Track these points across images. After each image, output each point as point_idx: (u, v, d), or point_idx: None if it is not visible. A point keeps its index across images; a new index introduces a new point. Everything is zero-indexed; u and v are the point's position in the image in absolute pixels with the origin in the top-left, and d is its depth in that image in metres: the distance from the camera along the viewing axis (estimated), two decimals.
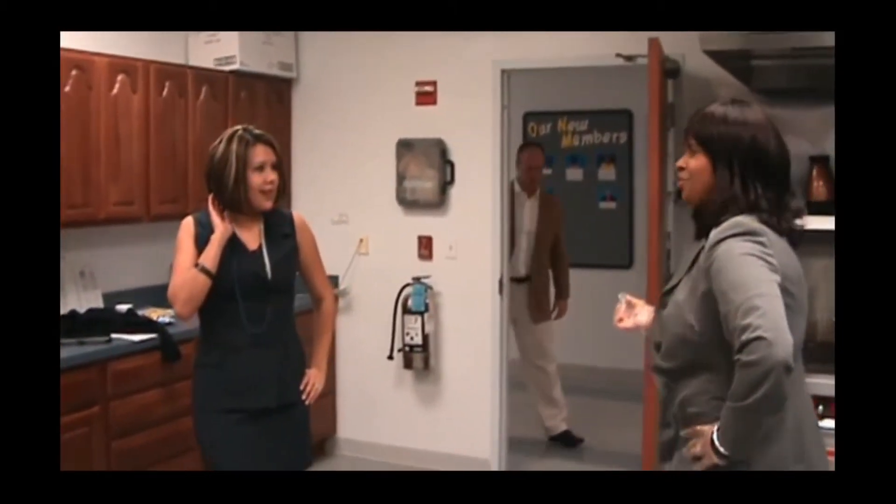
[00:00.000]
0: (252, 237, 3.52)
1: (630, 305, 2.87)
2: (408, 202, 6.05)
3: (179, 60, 5.65)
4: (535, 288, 6.52)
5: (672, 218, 5.29)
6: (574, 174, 8.39)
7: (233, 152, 3.39)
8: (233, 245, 3.45)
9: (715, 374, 2.40)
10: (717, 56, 4.19)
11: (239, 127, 3.50)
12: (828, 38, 4.16)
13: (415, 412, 6.15)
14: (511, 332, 6.23)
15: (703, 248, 2.46)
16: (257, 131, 3.48)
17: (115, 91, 4.90)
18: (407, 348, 5.97)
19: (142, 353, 4.66)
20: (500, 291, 5.89)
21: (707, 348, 2.41)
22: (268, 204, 3.49)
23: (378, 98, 6.13)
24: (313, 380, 3.69)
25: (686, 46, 4.98)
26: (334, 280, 6.21)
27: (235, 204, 3.43)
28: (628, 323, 2.86)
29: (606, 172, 8.35)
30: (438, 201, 5.97)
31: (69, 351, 4.31)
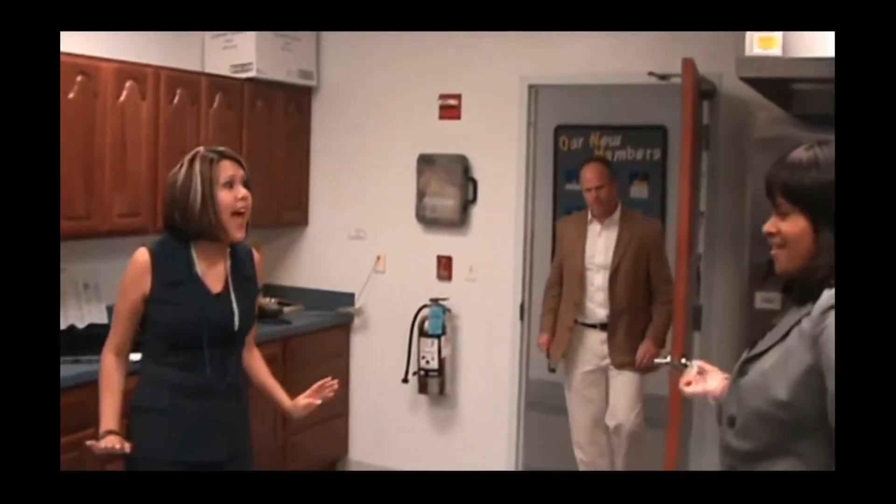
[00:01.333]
0: (217, 277, 3.17)
1: (702, 371, 2.62)
2: (427, 220, 5.88)
3: (195, 67, 5.49)
4: (617, 335, 5.29)
5: (703, 241, 5.18)
6: None
7: (196, 173, 3.05)
8: (195, 287, 3.11)
9: (801, 463, 2.03)
10: (754, 83, 3.96)
11: (199, 148, 3.18)
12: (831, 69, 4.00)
13: (428, 438, 5.96)
14: (568, 386, 5.50)
15: (805, 313, 2.02)
16: (221, 148, 3.17)
17: (122, 98, 4.76)
18: (422, 372, 5.79)
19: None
20: (521, 317, 5.70)
21: (796, 431, 2.04)
22: (240, 234, 3.15)
23: (400, 110, 5.96)
24: (304, 405, 3.39)
25: (723, 66, 4.76)
26: (349, 298, 6.05)
27: (204, 231, 3.08)
28: (697, 388, 2.59)
29: (639, 190, 8.09)
30: (459, 220, 5.80)
31: (63, 370, 4.11)
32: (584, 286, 5.32)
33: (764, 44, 3.35)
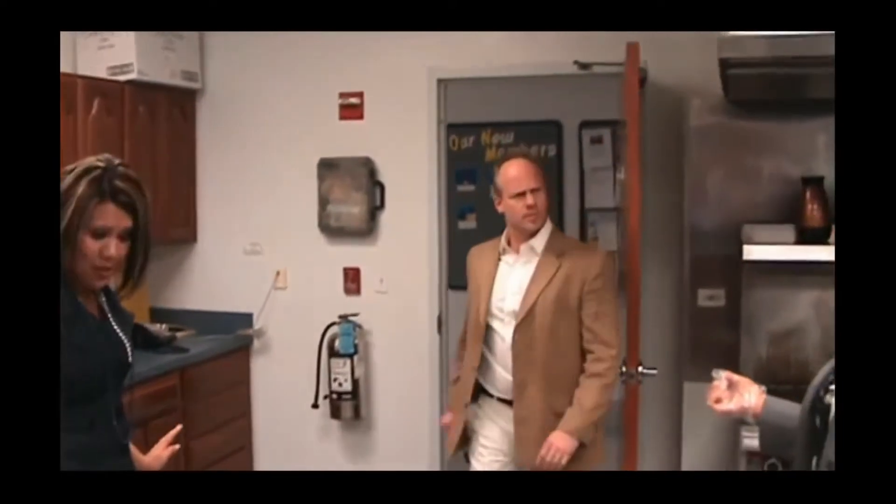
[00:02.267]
0: (93, 307, 2.52)
1: (731, 384, 2.39)
2: (332, 229, 5.45)
3: (66, 69, 4.92)
4: (528, 421, 3.73)
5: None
6: None
7: (74, 199, 2.34)
8: (84, 321, 2.45)
9: None
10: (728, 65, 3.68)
11: (102, 161, 2.43)
12: (816, 46, 3.78)
13: (342, 467, 5.52)
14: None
15: None
16: (121, 184, 2.39)
17: None
18: (334, 395, 5.34)
19: None
20: (439, 330, 5.35)
21: None
22: (98, 284, 2.47)
23: (296, 111, 5.50)
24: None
25: (648, 53, 4.49)
26: (248, 318, 5.57)
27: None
28: (730, 405, 2.38)
29: None
30: (366, 228, 5.39)
31: None
32: (490, 342, 3.81)
33: None
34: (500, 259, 3.83)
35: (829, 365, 1.97)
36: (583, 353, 3.70)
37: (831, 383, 1.93)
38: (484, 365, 3.84)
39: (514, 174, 3.72)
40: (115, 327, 2.54)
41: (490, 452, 3.87)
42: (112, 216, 2.39)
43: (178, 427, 2.84)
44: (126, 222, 2.42)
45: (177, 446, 2.79)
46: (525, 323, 3.67)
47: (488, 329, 3.79)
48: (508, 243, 3.83)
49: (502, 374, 3.77)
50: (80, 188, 2.35)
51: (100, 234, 2.37)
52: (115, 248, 2.40)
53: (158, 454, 2.76)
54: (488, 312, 3.78)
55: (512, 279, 3.77)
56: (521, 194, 3.68)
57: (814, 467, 1.95)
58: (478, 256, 3.96)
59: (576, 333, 3.69)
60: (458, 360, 4.03)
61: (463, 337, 4.03)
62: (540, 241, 3.76)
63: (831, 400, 1.90)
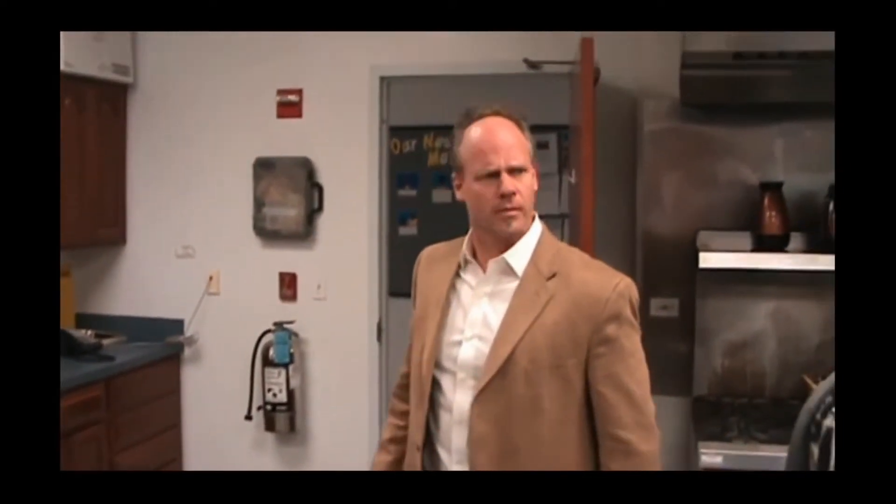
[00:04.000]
0: None
1: None
2: (267, 233, 5.24)
3: None
4: None
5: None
6: (442, 195, 7.61)
7: None
8: None
9: None
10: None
11: None
12: (777, 42, 3.68)
13: None
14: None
15: None
16: None
17: None
18: (268, 406, 5.12)
19: None
20: (379, 338, 5.17)
21: None
22: None
23: (232, 108, 5.28)
24: None
25: (603, 53, 4.35)
26: (178, 325, 5.33)
27: None
28: None
29: None
30: (304, 232, 5.19)
31: None
32: (435, 411, 2.40)
33: None
34: (458, 275, 2.44)
35: (826, 385, 1.78)
36: (592, 442, 2.32)
37: (830, 405, 1.73)
38: (429, 445, 2.42)
39: (483, 140, 2.31)
40: None
41: None
42: None
43: None
44: None
45: None
46: (492, 389, 2.27)
47: (434, 387, 2.38)
48: (473, 254, 2.42)
49: (444, 458, 2.38)
50: None
51: None
52: None
53: None
54: (435, 361, 2.38)
55: (474, 312, 2.36)
56: (494, 174, 2.29)
57: None
58: (428, 266, 2.56)
59: (577, 409, 2.29)
60: (392, 412, 2.69)
61: (401, 382, 2.68)
62: (521, 255, 2.35)
63: (831, 424, 1.70)
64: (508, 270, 2.33)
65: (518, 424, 2.25)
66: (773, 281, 4.09)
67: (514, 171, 2.27)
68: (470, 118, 2.35)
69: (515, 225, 2.30)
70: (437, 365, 2.37)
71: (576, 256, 2.39)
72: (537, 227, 2.38)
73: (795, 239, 4.05)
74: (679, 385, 4.25)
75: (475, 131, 2.32)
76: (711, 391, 4.24)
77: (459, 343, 2.35)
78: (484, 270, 2.37)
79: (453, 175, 2.41)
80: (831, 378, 1.73)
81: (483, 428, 2.26)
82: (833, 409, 1.69)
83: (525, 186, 2.29)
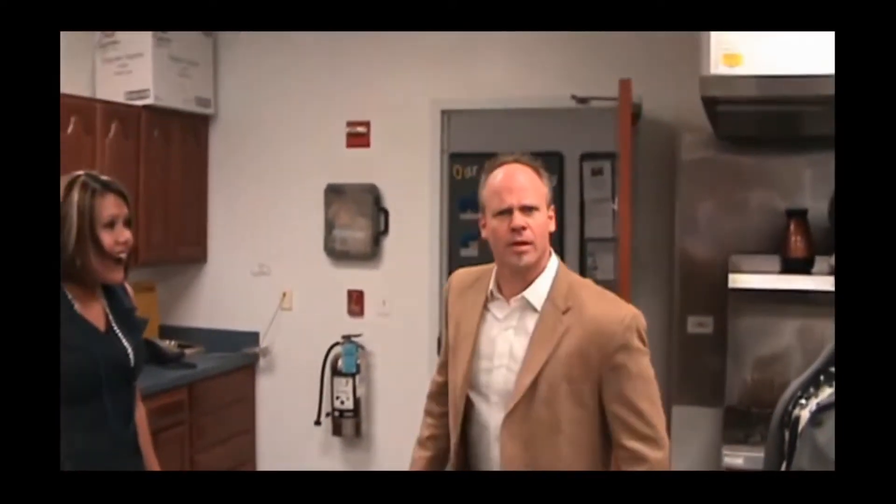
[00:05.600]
0: (97, 315, 2.77)
1: None
2: (337, 253, 5.65)
3: (86, 93, 5.17)
4: None
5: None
6: None
7: (74, 205, 2.63)
8: (80, 325, 2.69)
9: None
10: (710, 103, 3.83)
11: (80, 172, 2.73)
12: (808, 87, 3.93)
13: None
14: None
15: None
16: (105, 178, 2.75)
17: None
18: (336, 413, 5.53)
19: None
20: (438, 352, 5.44)
21: None
22: (118, 277, 2.77)
23: (305, 139, 5.72)
24: None
25: (643, 87, 4.73)
26: (254, 337, 5.77)
27: (73, 274, 2.66)
28: None
29: None
30: (370, 252, 5.59)
31: None
32: (468, 425, 2.73)
33: (729, 61, 3.19)
34: (486, 307, 2.71)
35: (798, 381, 2.14)
36: (607, 458, 2.67)
37: (800, 398, 2.10)
38: (465, 455, 2.75)
39: (500, 183, 2.60)
40: (116, 329, 2.78)
41: None
42: (114, 205, 2.70)
43: None
44: (125, 209, 2.74)
45: None
46: (519, 412, 2.58)
47: (469, 406, 2.69)
48: (499, 288, 2.68)
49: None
50: (75, 193, 2.64)
51: (111, 223, 2.69)
52: (126, 233, 2.73)
53: None
54: (469, 383, 2.68)
55: (501, 342, 2.66)
56: (507, 211, 2.56)
57: None
58: (460, 293, 2.82)
59: (592, 429, 2.60)
60: (430, 414, 3.02)
61: (434, 389, 2.98)
62: (539, 292, 2.62)
63: (800, 413, 2.06)
64: (529, 307, 2.61)
65: (541, 444, 2.57)
66: (799, 300, 4.34)
67: (527, 209, 2.54)
68: (493, 165, 2.67)
69: (526, 259, 2.55)
70: (473, 387, 2.67)
71: (586, 291, 2.64)
72: (553, 264, 2.65)
73: (820, 262, 4.31)
74: (712, 396, 4.54)
75: (496, 175, 2.62)
76: (741, 402, 4.53)
77: (490, 370, 2.64)
78: (508, 304, 2.64)
79: (480, 215, 2.70)
80: (802, 376, 2.13)
81: (512, 447, 2.59)
82: (802, 401, 2.06)
83: (537, 224, 2.55)
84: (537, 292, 2.61)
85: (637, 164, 4.99)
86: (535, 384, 2.54)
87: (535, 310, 2.61)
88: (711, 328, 4.61)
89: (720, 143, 4.54)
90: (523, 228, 2.52)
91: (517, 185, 2.57)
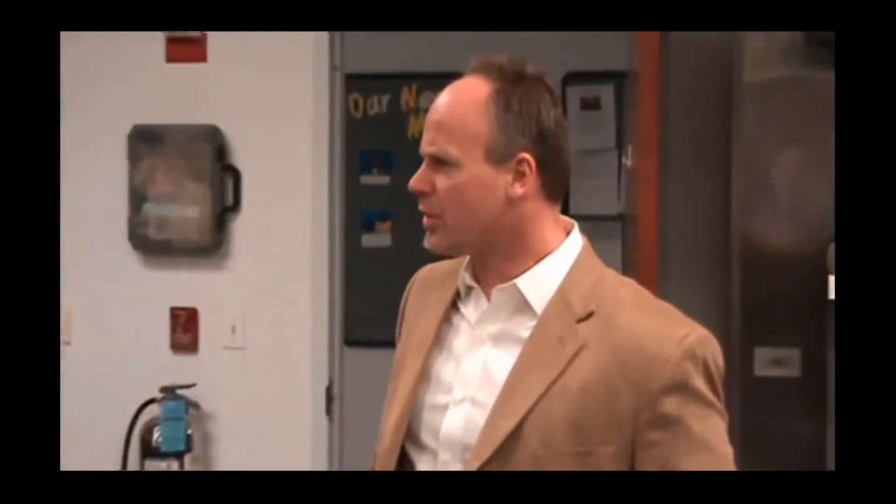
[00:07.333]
0: None
1: None
2: (151, 244, 5.49)
3: None
4: None
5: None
6: None
7: None
8: None
9: None
10: None
11: None
12: None
13: None
14: None
15: None
16: None
17: None
18: None
19: None
20: (329, 411, 5.37)
21: None
22: None
23: (92, 46, 5.40)
24: None
25: None
26: None
27: None
28: None
29: None
30: (210, 243, 5.45)
31: None
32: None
33: None
34: (454, 306, 2.56)
35: None
36: None
37: None
38: None
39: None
40: None
41: None
42: None
43: None
44: None
45: None
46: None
47: (402, 466, 2.51)
48: (475, 277, 2.51)
49: None
50: None
51: None
52: None
53: None
54: (406, 431, 2.49)
55: (469, 363, 2.44)
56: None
57: None
58: (423, 291, 2.71)
59: None
60: None
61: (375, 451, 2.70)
62: (543, 282, 2.43)
63: None
64: (522, 306, 2.38)
65: None
66: None
67: (435, 161, 2.38)
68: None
69: (431, 241, 2.41)
70: (411, 437, 2.44)
71: (628, 291, 2.42)
72: (572, 245, 2.43)
73: None
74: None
75: None
76: None
77: (445, 407, 2.41)
78: (488, 299, 2.43)
79: None
80: None
81: None
82: None
83: (447, 188, 2.36)
84: (538, 281, 2.39)
85: (667, 91, 4.75)
86: (516, 435, 2.27)
87: (532, 311, 2.37)
88: (798, 368, 4.37)
89: (813, 53, 4.27)
90: (421, 193, 2.39)
91: (431, 117, 2.41)
